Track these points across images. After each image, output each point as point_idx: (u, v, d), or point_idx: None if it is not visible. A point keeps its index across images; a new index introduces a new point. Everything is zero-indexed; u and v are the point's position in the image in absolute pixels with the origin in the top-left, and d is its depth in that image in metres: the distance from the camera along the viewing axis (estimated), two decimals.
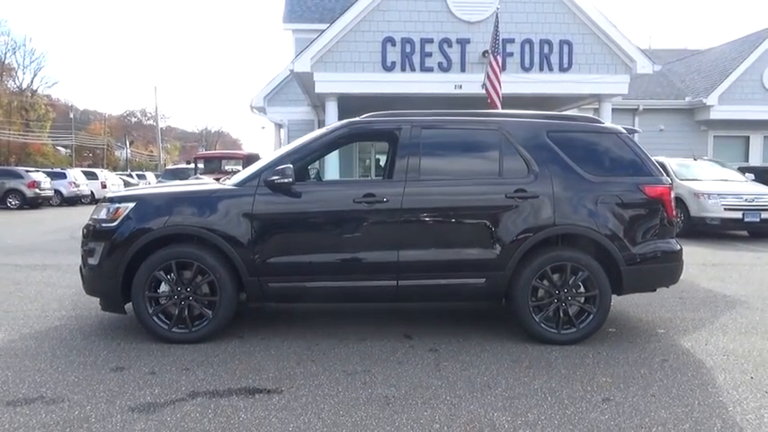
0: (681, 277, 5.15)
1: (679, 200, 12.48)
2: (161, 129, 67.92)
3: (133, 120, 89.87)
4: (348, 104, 12.06)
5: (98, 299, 4.94)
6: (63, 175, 26.21)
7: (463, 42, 11.75)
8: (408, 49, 11.70)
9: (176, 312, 4.65)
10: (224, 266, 4.62)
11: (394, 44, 11.67)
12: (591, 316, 4.75)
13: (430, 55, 11.78)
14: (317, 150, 5.01)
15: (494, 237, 4.71)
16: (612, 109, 17.99)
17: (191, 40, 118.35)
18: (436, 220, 4.75)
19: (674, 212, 5.00)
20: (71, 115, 70.53)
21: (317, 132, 5.05)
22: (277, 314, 5.70)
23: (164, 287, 4.67)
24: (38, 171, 25.04)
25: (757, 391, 3.82)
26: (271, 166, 4.73)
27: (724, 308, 6.15)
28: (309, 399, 3.59)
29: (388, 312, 5.72)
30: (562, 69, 11.82)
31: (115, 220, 4.69)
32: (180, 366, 4.14)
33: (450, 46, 11.77)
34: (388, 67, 11.68)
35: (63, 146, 71.16)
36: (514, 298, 4.74)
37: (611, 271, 4.79)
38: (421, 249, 4.70)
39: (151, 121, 75.16)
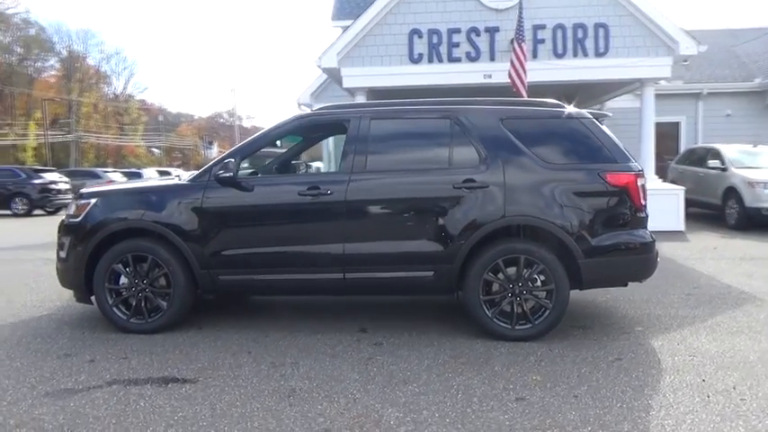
0: (705, 271, 4.79)
1: (733, 189, 11.61)
2: (248, 128, 70.73)
3: (220, 120, 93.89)
4: (378, 98, 12.02)
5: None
6: (139, 175, 27.75)
7: (492, 31, 11.41)
8: (435, 40, 11.50)
9: (134, 304, 4.83)
10: (177, 260, 4.74)
11: (421, 36, 11.51)
12: (547, 311, 4.52)
13: (457, 45, 11.53)
14: (268, 143, 5.03)
15: (441, 229, 4.57)
16: (671, 94, 17.04)
17: (260, 42, 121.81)
18: (381, 212, 4.67)
19: (643, 201, 4.64)
20: (160, 118, 74.66)
21: (271, 126, 5.08)
22: (255, 307, 5.80)
23: (123, 279, 4.86)
24: (115, 171, 26.68)
25: (698, 395, 3.50)
26: (220, 161, 4.81)
27: (732, 305, 5.68)
28: (217, 389, 3.63)
29: (358, 307, 5.68)
30: (598, 54, 11.22)
31: (79, 216, 4.92)
32: (120, 355, 4.30)
33: (478, 35, 11.47)
34: (415, 60, 11.53)
35: (155, 147, 75.42)
36: (465, 292, 4.58)
37: (569, 264, 4.54)
38: (367, 242, 4.63)
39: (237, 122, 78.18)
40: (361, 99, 11.95)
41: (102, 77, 71.19)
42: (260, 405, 3.38)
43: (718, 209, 12.14)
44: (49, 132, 55.71)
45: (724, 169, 12.09)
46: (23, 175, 19.97)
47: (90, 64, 69.00)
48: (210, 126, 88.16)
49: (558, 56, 11.35)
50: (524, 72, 10.38)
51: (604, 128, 4.79)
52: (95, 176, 24.86)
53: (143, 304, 4.81)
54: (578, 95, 15.88)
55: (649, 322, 5.10)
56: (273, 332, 4.84)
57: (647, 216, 4.75)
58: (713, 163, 12.44)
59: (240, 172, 4.95)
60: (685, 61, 19.79)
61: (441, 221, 4.57)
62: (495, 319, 4.54)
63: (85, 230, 4.85)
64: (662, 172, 14.72)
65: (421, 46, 11.55)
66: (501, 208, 4.51)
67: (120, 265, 4.80)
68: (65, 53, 65.14)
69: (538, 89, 11.66)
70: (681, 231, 11.16)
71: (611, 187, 4.54)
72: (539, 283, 4.56)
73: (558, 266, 4.49)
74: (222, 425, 3.13)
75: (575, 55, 11.32)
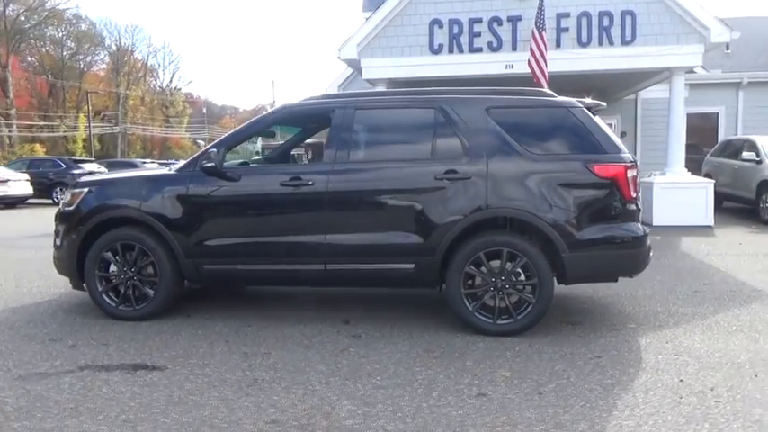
0: (723, 267, 4.60)
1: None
2: None
3: (263, 113, 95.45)
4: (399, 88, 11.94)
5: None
6: (173, 164, 28.29)
7: (514, 20, 11.16)
8: (456, 30, 11.32)
9: (123, 291, 4.92)
10: (163, 249, 4.80)
11: (441, 26, 11.34)
12: (530, 306, 4.40)
13: (479, 35, 11.32)
14: (254, 134, 5.03)
15: (422, 220, 4.49)
16: (709, 84, 16.40)
17: (299, 34, 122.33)
18: (363, 203, 4.62)
19: (634, 194, 4.46)
20: (204, 110, 76.15)
21: (258, 117, 5.09)
22: (247, 297, 5.84)
23: (113, 267, 4.95)
24: (152, 162, 27.33)
25: (670, 395, 3.35)
26: (205, 152, 4.84)
27: (739, 303, 5.43)
28: (182, 377, 3.66)
29: (347, 298, 5.65)
30: (624, 43, 10.85)
31: (72, 205, 5.03)
32: (102, 341, 4.38)
33: (500, 24, 11.23)
34: (436, 50, 11.38)
35: (200, 139, 77.12)
36: (447, 285, 4.50)
37: (553, 258, 4.40)
38: (348, 233, 4.59)
39: None
40: (381, 89, 11.89)
41: (149, 71, 73.01)
42: (218, 394, 3.39)
43: (753, 203, 11.64)
44: (97, 124, 57.52)
45: (759, 162, 11.58)
46: (64, 166, 20.67)
47: (137, 58, 70.85)
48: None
49: (583, 45, 11.03)
50: (545, 61, 10.12)
51: (596, 118, 4.62)
52: (133, 166, 25.50)
53: (131, 292, 4.90)
54: (608, 86, 15.47)
55: (645, 319, 4.92)
56: (258, 321, 4.86)
57: (639, 209, 4.56)
58: (748, 155, 11.93)
59: (229, 163, 4.98)
60: (727, 49, 19.09)
61: (422, 213, 4.49)
62: (476, 313, 4.44)
63: (78, 219, 4.96)
64: (699, 165, 14.21)
65: (441, 36, 11.40)
66: (483, 200, 4.41)
67: (109, 254, 4.89)
68: (114, 47, 67.04)
69: (562, 79, 11.40)
70: (709, 226, 10.74)
71: (599, 179, 4.37)
72: (522, 276, 4.44)
73: (542, 260, 4.36)
74: (174, 412, 3.15)
75: (600, 44, 10.98)
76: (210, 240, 4.75)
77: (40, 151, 47.09)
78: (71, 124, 56.87)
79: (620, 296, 5.72)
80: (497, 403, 3.26)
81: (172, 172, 4.99)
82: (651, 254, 4.72)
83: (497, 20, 11.22)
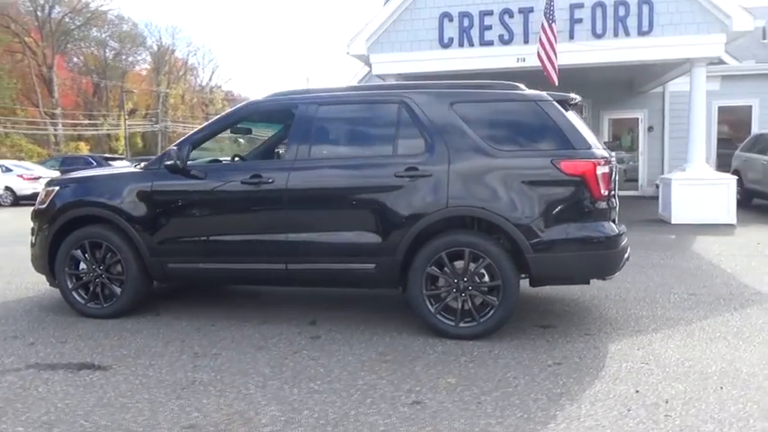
0: (730, 269, 4.35)
1: None
2: None
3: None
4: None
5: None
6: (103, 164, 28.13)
7: (526, 12, 10.84)
8: (466, 23, 11.07)
9: (91, 289, 4.92)
10: (129, 247, 4.79)
11: (451, 19, 11.10)
12: (493, 309, 4.21)
13: (490, 28, 11.03)
14: (221, 129, 4.94)
15: (382, 219, 4.35)
16: (742, 75, 15.68)
17: (332, 30, 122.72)
18: (323, 201, 4.51)
19: (605, 192, 4.22)
20: None
21: (224, 113, 5.02)
22: (226, 295, 5.80)
23: (82, 265, 4.96)
24: None
25: (619, 407, 3.14)
26: (170, 149, 4.79)
27: (734, 307, 5.12)
28: (122, 378, 3.61)
29: (321, 298, 5.54)
30: (641, 33, 10.41)
31: (45, 203, 5.07)
32: (61, 339, 4.39)
33: (511, 16, 10.93)
34: (446, 44, 11.16)
35: (240, 138, 78.12)
36: (408, 286, 4.35)
37: (518, 259, 4.21)
38: (308, 232, 4.49)
39: None
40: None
41: (189, 69, 74.40)
42: (149, 396, 3.34)
43: None
44: (138, 122, 58.89)
45: None
46: (95, 164, 21.17)
47: (177, 57, 72.25)
48: None
49: (598, 36, 10.64)
50: (555, 54, 9.80)
51: (568, 112, 4.40)
52: None
53: (99, 290, 4.90)
54: (633, 79, 14.96)
55: (625, 323, 4.67)
56: (223, 321, 4.81)
57: (612, 208, 4.31)
58: None
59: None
60: (763, 38, 18.24)
61: (382, 212, 4.35)
62: (438, 315, 4.28)
63: (49, 217, 4.99)
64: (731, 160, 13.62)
65: (451, 30, 11.17)
66: (444, 198, 4.24)
67: (78, 251, 4.91)
68: (155, 47, 68.51)
69: (576, 72, 11.06)
70: (731, 225, 10.25)
71: (566, 176, 4.15)
72: (486, 278, 4.26)
73: (505, 261, 4.17)
74: (96, 415, 3.10)
75: (615, 35, 10.58)
76: (174, 239, 4.71)
77: (84, 149, 48.55)
78: (114, 122, 58.38)
79: (608, 298, 5.46)
80: (429, 412, 3.11)
81: (138, 170, 4.97)
82: (627, 255, 4.48)
83: (509, 12, 10.92)
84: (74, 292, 4.95)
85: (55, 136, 52.72)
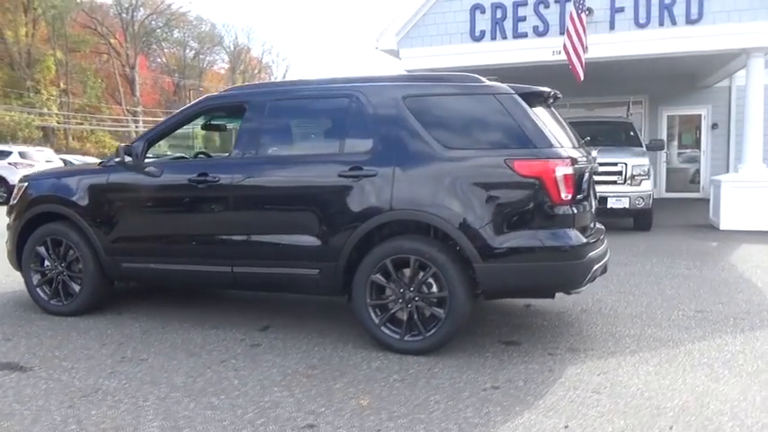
0: (761, 283, 3.84)
1: None
2: None
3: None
4: None
5: None
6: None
7: (562, 1, 10.18)
8: (499, 14, 10.54)
9: (53, 286, 4.90)
10: (86, 244, 4.72)
11: (483, 11, 10.61)
12: (439, 323, 3.84)
13: (524, 19, 10.47)
14: (177, 125, 4.76)
15: (325, 222, 4.06)
16: None
17: None
18: (267, 202, 4.27)
19: (567, 196, 3.75)
20: None
21: (180, 109, 4.87)
22: (207, 295, 5.67)
23: (47, 262, 4.95)
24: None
25: None
26: (126, 145, 4.69)
27: (740, 330, 4.50)
28: (33, 381, 3.51)
29: (294, 302, 5.31)
30: (689, 21, 9.55)
31: (16, 198, 5.10)
32: (7, 337, 4.36)
33: (546, 7, 10.31)
34: (477, 37, 10.67)
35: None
36: (353, 294, 4.05)
37: (468, 268, 3.82)
38: (253, 234, 4.27)
39: None
40: None
41: (263, 68, 76.29)
42: (43, 404, 3.20)
43: None
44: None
45: None
46: None
47: (253, 56, 74.23)
48: None
49: (640, 26, 9.88)
50: (582, 46, 9.15)
51: (534, 108, 3.95)
52: None
53: (60, 287, 4.87)
54: (695, 71, 13.88)
55: (601, 343, 4.18)
56: (177, 323, 4.66)
57: (576, 213, 3.83)
58: None
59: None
60: None
61: (325, 214, 4.06)
62: (383, 327, 3.96)
63: (17, 213, 5.02)
64: None
65: (483, 22, 10.70)
66: (388, 200, 3.90)
67: (42, 248, 4.90)
68: (231, 47, 70.67)
69: (623, 65, 10.33)
70: None
71: (521, 177, 3.72)
72: (435, 288, 3.89)
73: (452, 271, 3.79)
74: None
75: (660, 24, 9.79)
76: (126, 237, 4.61)
77: (163, 146, 50.68)
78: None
79: (600, 313, 4.95)
80: None
81: (97, 166, 4.90)
82: (600, 266, 3.99)
83: (544, 2, 10.34)
84: (38, 289, 4.94)
85: (136, 132, 55.37)
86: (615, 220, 9.79)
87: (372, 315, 3.98)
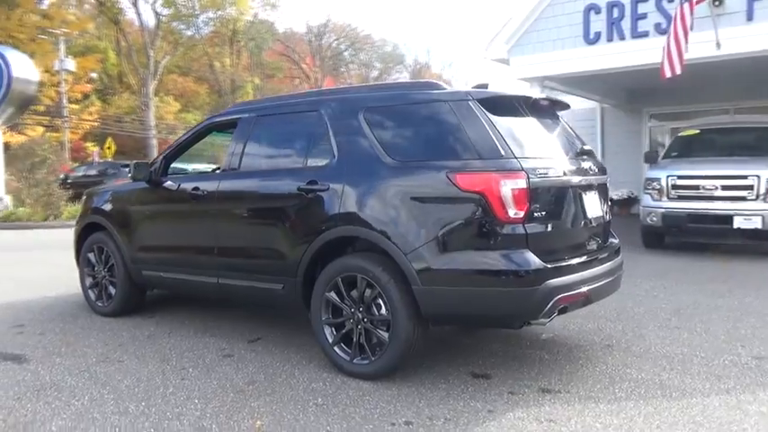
0: None
1: None
2: None
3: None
4: (552, 86, 10.69)
5: None
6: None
7: None
8: (616, 13, 9.55)
9: (99, 289, 5.46)
10: (118, 252, 5.20)
11: (598, 11, 9.70)
12: (384, 347, 3.60)
13: (644, 16, 9.36)
14: (188, 144, 5.02)
15: (287, 237, 4.04)
16: None
17: None
18: (242, 216, 4.38)
19: (516, 214, 3.29)
20: None
21: (189, 129, 5.14)
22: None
23: (96, 267, 5.53)
24: None
25: None
26: (148, 162, 5.09)
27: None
28: (15, 373, 3.92)
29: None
30: None
31: (82, 208, 5.81)
32: (39, 332, 4.90)
33: (670, 1, 9.13)
34: (591, 40, 9.77)
35: None
36: (311, 311, 3.95)
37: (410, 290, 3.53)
38: (232, 247, 4.38)
39: None
40: (535, 89, 10.75)
41: (445, 83, 77.77)
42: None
43: None
44: None
45: None
46: None
47: (434, 72, 76.01)
48: None
49: None
50: (686, 39, 7.93)
51: (494, 115, 3.53)
52: None
53: (102, 290, 5.40)
54: None
55: (587, 386, 3.59)
56: (183, 329, 4.84)
57: (529, 233, 3.33)
58: None
59: None
60: None
61: (286, 228, 4.04)
62: (335, 347, 3.81)
63: (77, 223, 5.71)
64: None
65: (598, 23, 9.83)
66: (336, 215, 3.76)
67: (91, 254, 5.49)
68: (412, 65, 73.15)
69: (754, 64, 8.84)
70: None
71: (463, 192, 3.35)
72: (383, 310, 3.65)
73: (395, 292, 3.52)
74: None
75: None
76: (144, 248, 4.99)
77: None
78: None
79: (627, 351, 4.24)
80: None
81: (129, 180, 5.36)
82: (562, 296, 3.42)
83: None
84: (89, 290, 5.54)
85: None
86: (748, 243, 8.35)
87: (327, 334, 3.84)
